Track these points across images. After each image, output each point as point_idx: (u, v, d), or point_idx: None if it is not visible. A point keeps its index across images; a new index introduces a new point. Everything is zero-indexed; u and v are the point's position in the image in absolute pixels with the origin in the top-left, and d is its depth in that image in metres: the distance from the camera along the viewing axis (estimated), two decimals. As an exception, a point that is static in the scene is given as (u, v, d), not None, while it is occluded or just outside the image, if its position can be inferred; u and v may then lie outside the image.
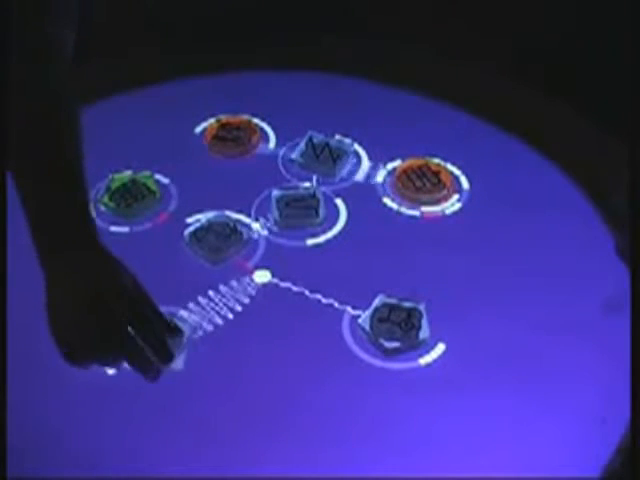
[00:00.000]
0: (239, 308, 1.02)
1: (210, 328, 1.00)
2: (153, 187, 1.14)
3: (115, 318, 0.81)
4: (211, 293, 1.03)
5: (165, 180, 1.17)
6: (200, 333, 0.99)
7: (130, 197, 1.13)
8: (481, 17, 1.46)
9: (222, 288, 1.04)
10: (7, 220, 0.99)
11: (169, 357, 0.85)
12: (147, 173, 1.16)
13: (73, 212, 0.84)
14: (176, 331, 0.87)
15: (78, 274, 0.82)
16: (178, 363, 0.86)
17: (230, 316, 1.01)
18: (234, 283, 1.04)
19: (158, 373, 0.85)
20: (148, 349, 0.83)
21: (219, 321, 1.01)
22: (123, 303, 0.82)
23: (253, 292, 1.04)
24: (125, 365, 0.84)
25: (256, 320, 1.01)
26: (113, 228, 1.11)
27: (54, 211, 0.83)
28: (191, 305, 1.02)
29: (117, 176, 1.15)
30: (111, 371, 0.93)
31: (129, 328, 0.82)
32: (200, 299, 1.03)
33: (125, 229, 1.11)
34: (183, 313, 1.00)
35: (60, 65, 0.87)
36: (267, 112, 1.25)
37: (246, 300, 1.03)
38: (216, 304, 1.02)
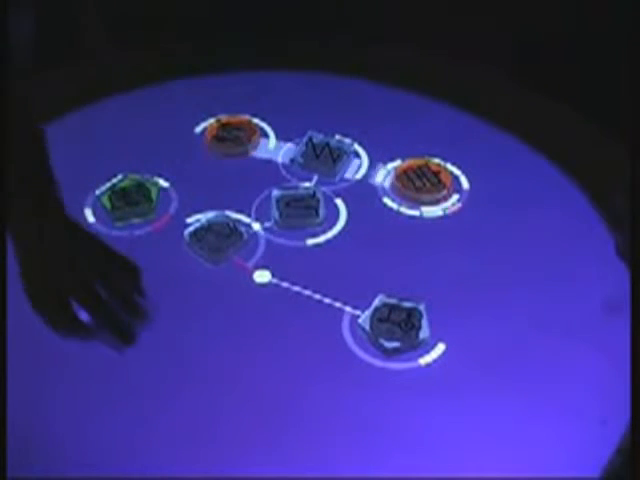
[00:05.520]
0: (239, 308, 1.02)
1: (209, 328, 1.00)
2: (153, 187, 1.14)
3: (84, 278, 0.90)
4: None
5: (165, 180, 1.17)
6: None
7: (130, 198, 1.12)
8: (482, 17, 1.46)
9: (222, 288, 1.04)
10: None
11: (139, 314, 0.92)
12: (147, 174, 1.16)
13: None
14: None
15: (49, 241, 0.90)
16: None
17: (229, 316, 1.01)
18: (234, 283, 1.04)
19: (131, 336, 0.92)
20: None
21: (219, 321, 1.01)
22: (93, 263, 0.91)
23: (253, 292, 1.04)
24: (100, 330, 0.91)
25: (256, 320, 1.01)
26: (114, 229, 1.10)
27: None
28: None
29: (117, 177, 1.15)
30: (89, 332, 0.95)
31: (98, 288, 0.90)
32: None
33: (125, 230, 1.11)
34: None
35: None
36: (267, 112, 1.25)
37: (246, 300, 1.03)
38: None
